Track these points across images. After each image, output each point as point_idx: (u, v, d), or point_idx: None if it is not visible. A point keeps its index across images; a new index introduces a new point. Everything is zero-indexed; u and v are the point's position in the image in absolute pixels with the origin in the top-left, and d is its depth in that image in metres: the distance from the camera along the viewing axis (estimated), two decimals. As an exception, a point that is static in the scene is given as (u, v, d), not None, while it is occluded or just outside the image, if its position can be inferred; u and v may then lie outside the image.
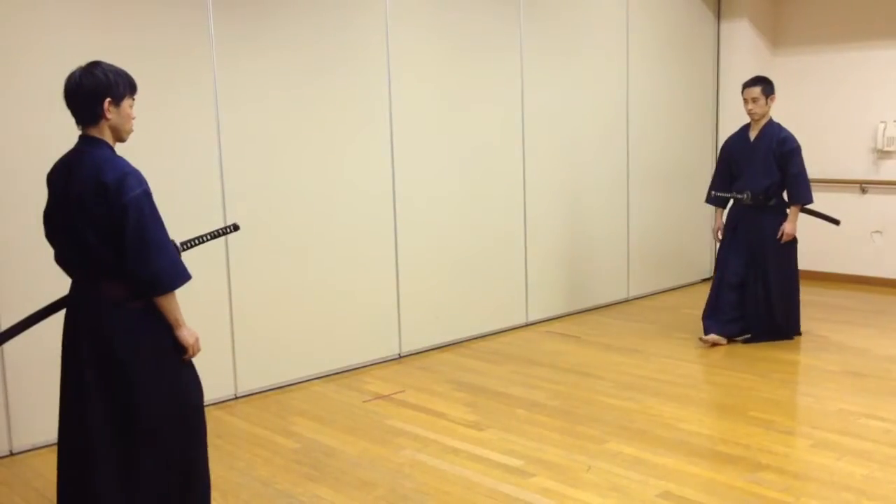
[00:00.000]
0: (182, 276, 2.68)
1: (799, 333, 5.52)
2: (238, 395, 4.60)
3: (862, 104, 7.09)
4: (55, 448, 3.92)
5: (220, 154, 4.43)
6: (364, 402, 4.51)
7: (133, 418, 2.66)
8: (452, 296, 5.58)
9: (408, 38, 5.18)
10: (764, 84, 5.29)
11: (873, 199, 7.13)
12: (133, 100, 2.74)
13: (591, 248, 6.51)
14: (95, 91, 2.63)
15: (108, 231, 2.59)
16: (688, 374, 4.87)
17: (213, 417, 4.35)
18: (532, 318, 6.12)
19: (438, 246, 5.48)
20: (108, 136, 2.70)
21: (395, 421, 4.20)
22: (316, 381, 4.88)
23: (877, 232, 7.13)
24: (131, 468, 2.67)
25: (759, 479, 3.39)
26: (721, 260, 5.53)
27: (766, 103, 5.30)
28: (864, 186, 7.14)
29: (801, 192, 5.29)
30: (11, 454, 3.87)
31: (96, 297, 2.66)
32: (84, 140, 2.69)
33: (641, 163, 6.78)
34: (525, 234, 6.01)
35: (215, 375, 4.49)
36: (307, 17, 4.71)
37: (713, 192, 5.54)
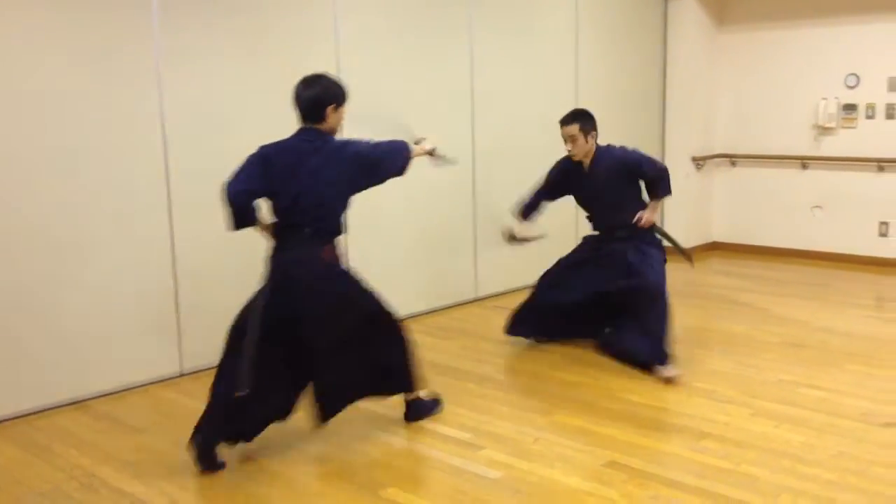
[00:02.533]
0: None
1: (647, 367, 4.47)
2: (184, 373, 4.53)
3: (803, 81, 7.22)
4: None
5: (164, 129, 4.34)
6: (313, 378, 4.49)
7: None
8: (402, 272, 5.56)
9: (356, 16, 5.11)
10: (582, 120, 4.52)
11: (813, 175, 7.29)
12: (344, 107, 3.37)
13: (539, 224, 6.53)
14: (324, 99, 3.33)
15: (349, 198, 3.41)
16: (634, 347, 4.92)
17: (158, 395, 4.30)
18: (481, 294, 6.15)
19: (388, 222, 5.45)
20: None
21: (344, 396, 4.19)
22: (264, 357, 4.84)
23: (817, 207, 7.30)
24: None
25: (701, 448, 3.47)
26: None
27: (587, 141, 4.53)
28: (804, 162, 7.29)
29: (662, 188, 4.57)
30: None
31: (318, 259, 3.34)
32: (313, 132, 3.35)
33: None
34: (474, 211, 6.02)
35: (160, 352, 4.44)
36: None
37: (522, 213, 4.93)
